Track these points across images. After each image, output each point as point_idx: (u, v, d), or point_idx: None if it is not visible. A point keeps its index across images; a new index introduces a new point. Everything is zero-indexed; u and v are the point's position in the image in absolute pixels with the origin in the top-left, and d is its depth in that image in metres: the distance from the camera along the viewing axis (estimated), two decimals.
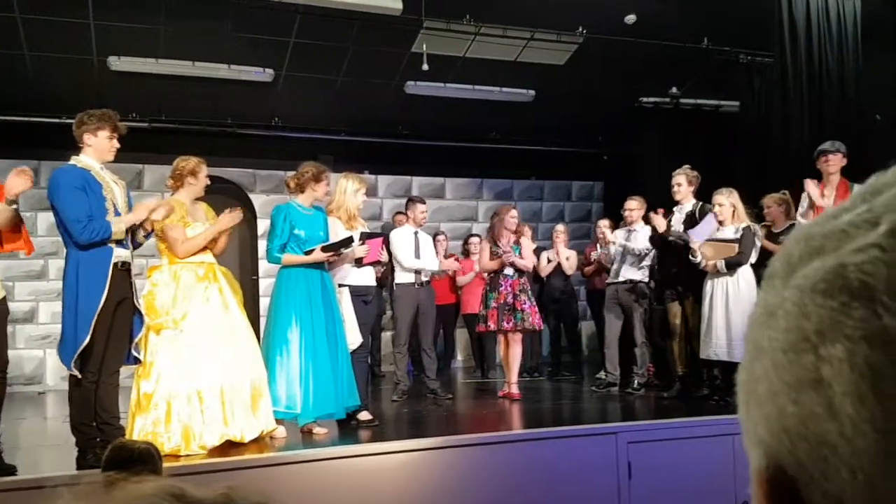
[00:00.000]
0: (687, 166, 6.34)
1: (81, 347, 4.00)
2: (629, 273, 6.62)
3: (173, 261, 4.61)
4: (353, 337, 5.23)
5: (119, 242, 4.19)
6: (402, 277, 6.55)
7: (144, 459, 2.68)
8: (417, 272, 6.48)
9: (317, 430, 4.89)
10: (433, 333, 6.85)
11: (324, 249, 4.98)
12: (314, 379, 4.82)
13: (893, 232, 0.34)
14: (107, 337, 4.12)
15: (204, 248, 4.67)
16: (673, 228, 6.11)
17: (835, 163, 5.56)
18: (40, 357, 8.68)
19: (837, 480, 0.34)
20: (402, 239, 6.54)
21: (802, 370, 0.35)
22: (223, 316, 4.56)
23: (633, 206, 6.75)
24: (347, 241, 5.14)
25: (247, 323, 4.74)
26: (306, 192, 5.12)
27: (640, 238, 6.60)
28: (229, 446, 4.43)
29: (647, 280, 6.67)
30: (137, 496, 0.47)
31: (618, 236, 6.79)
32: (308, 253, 4.98)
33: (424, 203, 6.76)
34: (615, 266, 6.75)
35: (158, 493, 0.47)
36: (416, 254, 6.51)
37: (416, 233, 6.60)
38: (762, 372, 0.38)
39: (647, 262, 6.63)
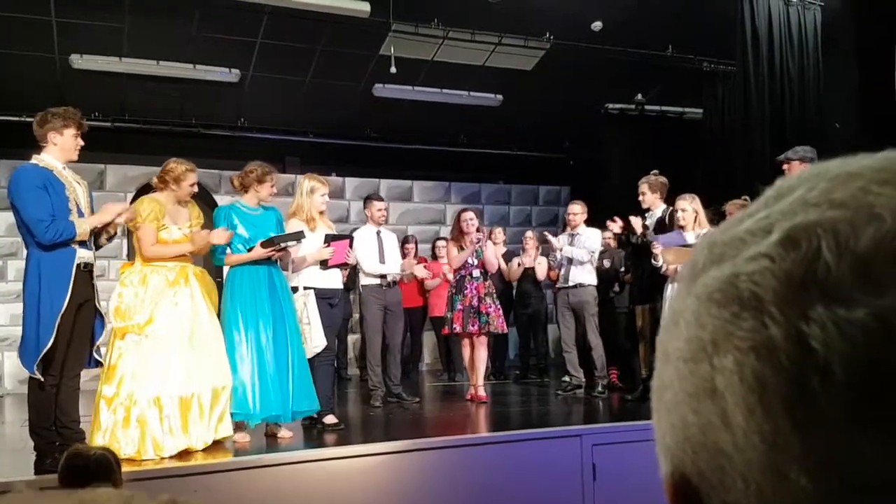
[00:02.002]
0: (654, 172, 6.42)
1: (45, 351, 3.91)
2: (578, 277, 6.67)
3: (145, 262, 4.53)
4: (318, 340, 5.12)
5: (82, 243, 4.11)
6: (367, 279, 6.42)
7: (101, 466, 2.64)
8: (383, 275, 6.40)
9: (282, 433, 4.84)
10: (401, 336, 6.72)
11: (263, 245, 4.84)
12: (259, 381, 4.72)
13: (783, 241, 0.34)
14: (68, 339, 4.05)
15: None
16: (650, 234, 6.20)
17: (792, 170, 5.65)
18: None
19: (734, 490, 0.34)
20: (363, 240, 6.32)
21: (700, 380, 0.36)
22: (191, 322, 4.46)
23: (577, 211, 6.81)
24: (293, 237, 4.99)
25: (217, 329, 4.63)
26: (250, 192, 5.00)
27: (583, 242, 6.68)
28: (188, 453, 4.36)
29: (596, 283, 6.74)
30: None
31: (561, 241, 6.82)
32: (250, 251, 4.88)
33: (382, 200, 6.62)
34: (563, 272, 6.79)
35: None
36: (381, 255, 6.38)
37: (378, 232, 6.46)
38: (668, 380, 0.38)
39: (592, 265, 6.69)
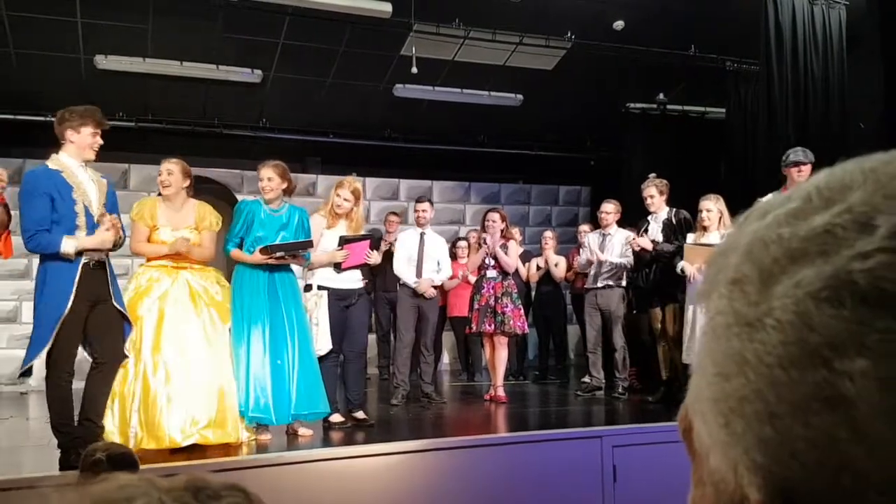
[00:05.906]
0: (653, 175, 6.42)
1: (44, 351, 3.91)
2: (607, 279, 6.65)
3: (145, 263, 4.64)
4: (323, 343, 5.05)
5: None
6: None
7: (117, 464, 2.68)
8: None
9: (302, 431, 4.86)
10: (432, 337, 6.65)
11: (262, 252, 4.76)
12: (246, 382, 4.65)
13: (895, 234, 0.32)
14: (83, 337, 4.04)
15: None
16: (658, 243, 6.18)
17: (806, 174, 5.59)
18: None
19: None
20: (403, 243, 6.38)
21: (813, 388, 0.32)
22: (168, 323, 4.44)
23: (610, 210, 6.75)
24: (296, 246, 4.89)
25: (212, 333, 4.56)
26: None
27: (615, 242, 6.63)
28: (194, 449, 4.37)
29: (624, 285, 6.69)
30: (116, 486, 0.49)
31: (592, 241, 6.77)
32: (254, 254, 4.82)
33: (423, 202, 6.60)
34: (592, 272, 6.75)
35: (134, 482, 0.49)
36: (420, 258, 6.33)
37: (422, 234, 6.45)
38: (750, 390, 0.34)
39: (627, 265, 6.64)
